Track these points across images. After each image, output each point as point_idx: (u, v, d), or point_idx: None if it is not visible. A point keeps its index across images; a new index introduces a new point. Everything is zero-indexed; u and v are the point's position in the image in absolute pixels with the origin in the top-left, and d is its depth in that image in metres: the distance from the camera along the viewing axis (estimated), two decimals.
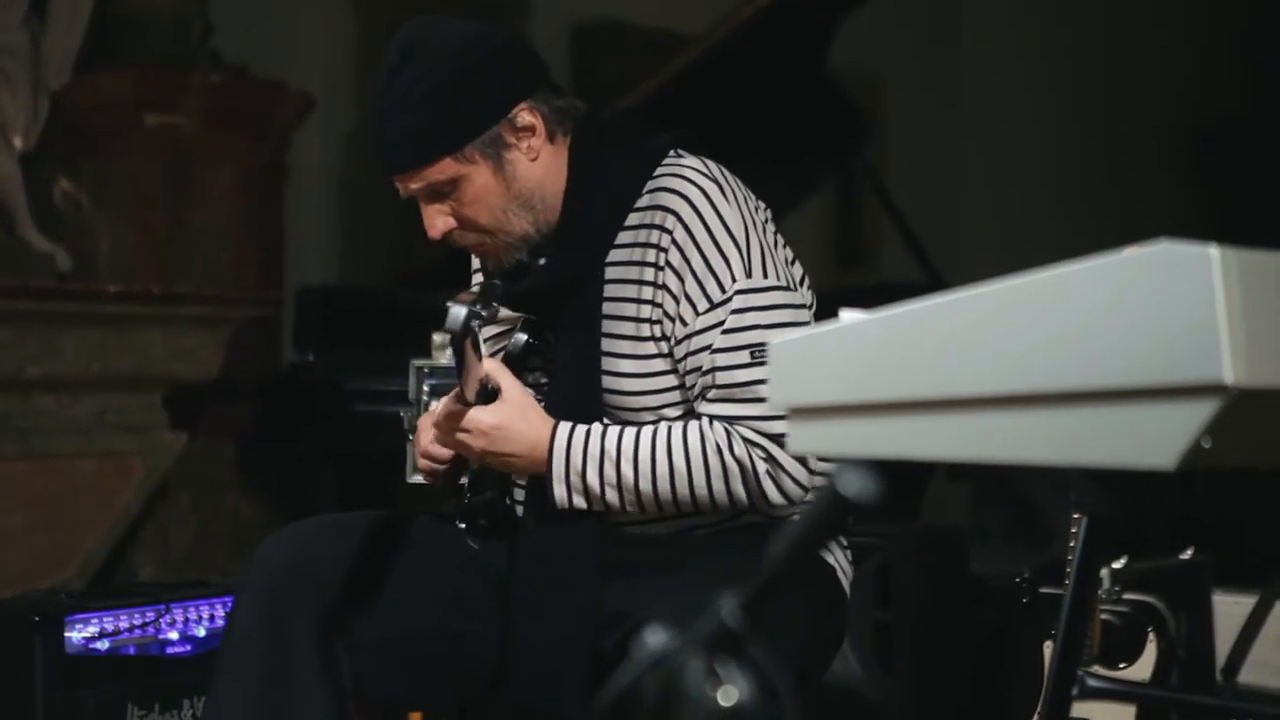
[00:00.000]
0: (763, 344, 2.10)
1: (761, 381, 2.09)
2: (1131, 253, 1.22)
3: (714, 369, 2.13)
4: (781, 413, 2.06)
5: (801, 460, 2.11)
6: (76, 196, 4.68)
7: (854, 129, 4.00)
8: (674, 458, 2.13)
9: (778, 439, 2.11)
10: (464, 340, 2.06)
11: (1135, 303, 1.21)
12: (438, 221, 2.20)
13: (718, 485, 2.12)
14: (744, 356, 2.12)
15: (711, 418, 2.13)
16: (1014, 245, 4.84)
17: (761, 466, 2.11)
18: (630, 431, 2.15)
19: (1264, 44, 5.19)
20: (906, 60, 5.92)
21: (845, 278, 5.95)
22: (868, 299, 1.51)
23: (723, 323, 2.13)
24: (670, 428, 2.15)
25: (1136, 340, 1.21)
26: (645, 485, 2.13)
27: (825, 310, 2.22)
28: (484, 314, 2.08)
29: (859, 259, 6.02)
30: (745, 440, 2.11)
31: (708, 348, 2.13)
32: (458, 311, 2.04)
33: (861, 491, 0.92)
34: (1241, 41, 5.28)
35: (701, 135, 2.34)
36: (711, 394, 2.13)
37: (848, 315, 1.38)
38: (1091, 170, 5.50)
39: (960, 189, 5.90)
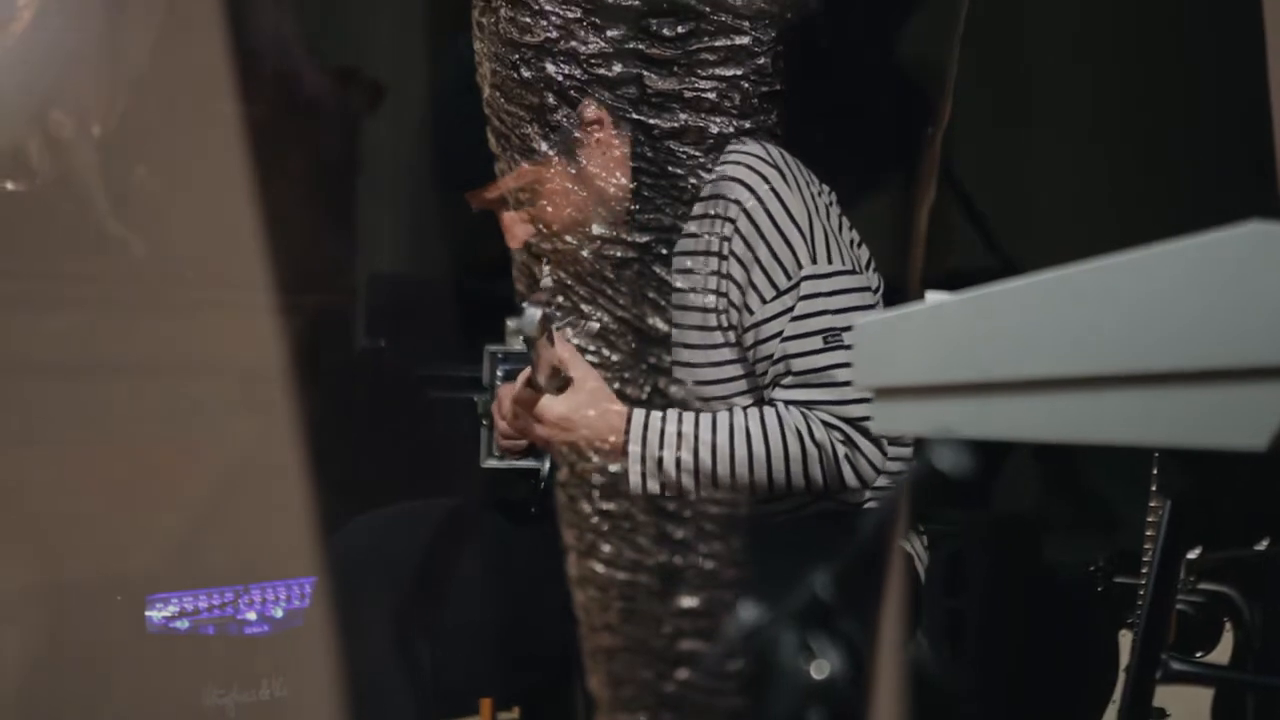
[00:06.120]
0: (833, 329, 2.11)
1: (836, 366, 2.10)
2: (1220, 233, 1.22)
3: (786, 356, 2.13)
4: (858, 396, 2.08)
5: (877, 444, 2.11)
6: (151, 184, 4.72)
7: (923, 114, 3.98)
8: (753, 442, 2.13)
9: (855, 422, 2.11)
10: (540, 339, 2.07)
11: (1224, 283, 1.21)
12: (518, 230, 2.22)
13: (796, 469, 2.13)
14: (817, 342, 2.13)
15: (787, 403, 2.13)
16: (1087, 232, 4.81)
17: (841, 450, 2.11)
18: (706, 416, 2.16)
19: None
20: (971, 44, 5.89)
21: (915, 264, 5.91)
22: (938, 286, 1.51)
23: (791, 309, 2.13)
24: (746, 412, 2.15)
25: (1226, 321, 1.20)
26: (723, 469, 2.14)
27: (894, 296, 2.22)
28: (559, 313, 2.10)
29: (929, 245, 5.99)
30: (824, 424, 2.12)
31: (778, 335, 2.14)
32: (533, 312, 2.06)
33: (956, 466, 0.93)
34: None
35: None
36: (787, 380, 2.14)
37: (933, 296, 1.38)
38: (1169, 157, 5.45)
39: (1030, 175, 5.86)
